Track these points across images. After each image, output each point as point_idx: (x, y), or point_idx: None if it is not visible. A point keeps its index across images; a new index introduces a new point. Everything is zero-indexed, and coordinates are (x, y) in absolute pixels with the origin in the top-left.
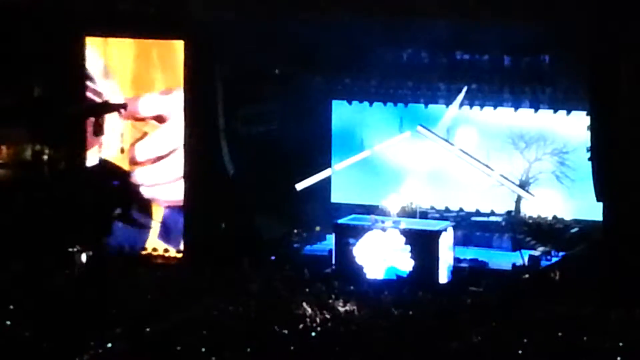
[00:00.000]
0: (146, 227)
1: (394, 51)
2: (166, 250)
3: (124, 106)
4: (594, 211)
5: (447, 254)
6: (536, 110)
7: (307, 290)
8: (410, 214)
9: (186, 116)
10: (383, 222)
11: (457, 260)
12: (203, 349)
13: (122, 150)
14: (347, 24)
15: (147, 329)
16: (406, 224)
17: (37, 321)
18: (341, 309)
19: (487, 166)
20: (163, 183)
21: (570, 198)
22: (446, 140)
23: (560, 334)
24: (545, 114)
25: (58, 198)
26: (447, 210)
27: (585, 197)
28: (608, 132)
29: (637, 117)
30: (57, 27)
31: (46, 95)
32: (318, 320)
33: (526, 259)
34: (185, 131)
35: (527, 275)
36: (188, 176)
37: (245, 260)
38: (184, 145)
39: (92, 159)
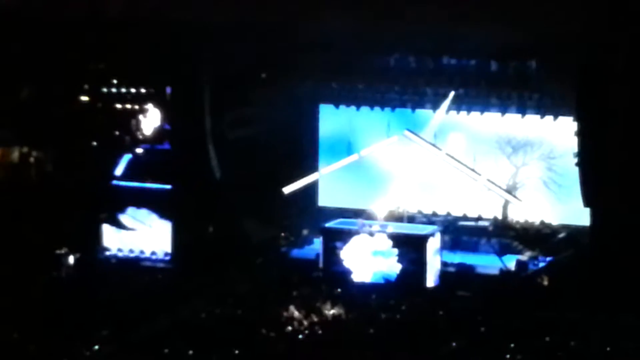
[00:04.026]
0: (134, 230)
1: (381, 56)
2: (154, 253)
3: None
4: (581, 216)
5: (434, 259)
6: (523, 115)
7: (294, 293)
8: (398, 218)
9: (173, 119)
10: (370, 226)
11: (444, 264)
12: (190, 352)
13: None
14: (335, 28)
15: (135, 332)
16: (394, 228)
17: (24, 323)
18: (328, 313)
19: (474, 171)
20: None
21: (557, 203)
22: (433, 145)
23: (547, 338)
24: (533, 119)
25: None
26: (435, 214)
27: (572, 203)
28: (595, 137)
29: (624, 123)
30: (48, 30)
31: (34, 97)
32: (305, 323)
33: (513, 264)
34: (173, 134)
35: (514, 280)
36: (175, 179)
37: (232, 263)
38: (172, 148)
39: None
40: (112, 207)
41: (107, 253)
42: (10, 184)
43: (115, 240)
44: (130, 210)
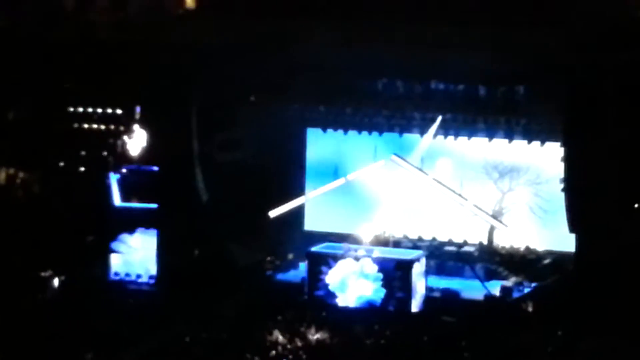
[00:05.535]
0: (119, 252)
1: (369, 80)
2: (139, 276)
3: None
4: (567, 242)
5: (419, 283)
6: (510, 140)
7: (279, 317)
8: (384, 242)
9: (161, 140)
10: (356, 250)
11: (429, 289)
12: None
13: None
14: (323, 52)
15: (119, 355)
16: (379, 252)
17: (8, 345)
18: (313, 337)
19: (460, 196)
20: None
21: (543, 229)
22: (420, 170)
23: None
24: (520, 144)
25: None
26: (420, 239)
27: (558, 228)
28: (582, 163)
29: (610, 149)
30: (36, 52)
31: (21, 118)
32: (290, 347)
33: (498, 289)
34: (160, 155)
35: (499, 306)
36: (162, 201)
37: (217, 287)
38: (159, 169)
39: None
40: (98, 228)
41: (92, 275)
42: None
43: (101, 263)
44: (117, 232)
